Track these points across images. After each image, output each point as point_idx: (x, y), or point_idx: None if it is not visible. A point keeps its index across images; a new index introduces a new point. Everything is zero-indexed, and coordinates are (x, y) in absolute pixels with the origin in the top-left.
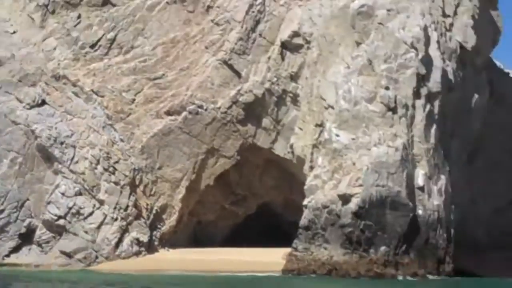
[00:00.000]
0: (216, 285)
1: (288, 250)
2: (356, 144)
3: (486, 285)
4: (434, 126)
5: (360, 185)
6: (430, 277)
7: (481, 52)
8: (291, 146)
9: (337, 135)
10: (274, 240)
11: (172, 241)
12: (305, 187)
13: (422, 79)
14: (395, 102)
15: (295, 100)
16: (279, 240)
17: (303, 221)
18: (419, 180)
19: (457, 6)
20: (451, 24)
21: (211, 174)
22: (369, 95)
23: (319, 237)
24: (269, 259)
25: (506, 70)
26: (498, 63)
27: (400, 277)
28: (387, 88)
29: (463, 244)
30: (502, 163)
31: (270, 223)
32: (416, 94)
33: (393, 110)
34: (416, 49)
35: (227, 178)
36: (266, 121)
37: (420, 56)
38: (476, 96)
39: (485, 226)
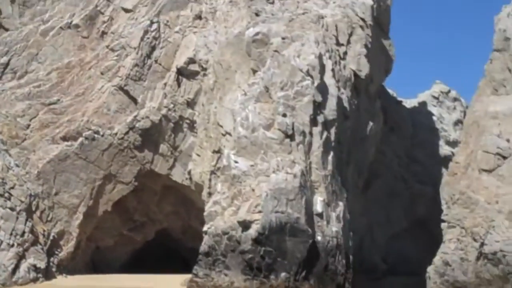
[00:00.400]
0: None
1: (187, 276)
2: (255, 170)
3: None
4: (331, 153)
5: (260, 212)
6: None
7: (374, 80)
8: (189, 173)
9: (236, 162)
10: (173, 266)
11: (70, 267)
12: (205, 213)
13: (318, 107)
14: (293, 129)
15: (192, 126)
16: (178, 266)
17: (203, 247)
18: (318, 207)
19: (350, 35)
20: (345, 53)
21: (109, 200)
22: (266, 122)
23: (220, 263)
24: (168, 285)
25: (399, 99)
26: (391, 92)
27: None
28: (284, 115)
29: (361, 270)
30: (396, 190)
31: (169, 249)
32: (313, 121)
33: (291, 137)
34: (311, 76)
35: (125, 204)
36: (163, 147)
37: (316, 84)
38: (371, 123)
39: (381, 253)
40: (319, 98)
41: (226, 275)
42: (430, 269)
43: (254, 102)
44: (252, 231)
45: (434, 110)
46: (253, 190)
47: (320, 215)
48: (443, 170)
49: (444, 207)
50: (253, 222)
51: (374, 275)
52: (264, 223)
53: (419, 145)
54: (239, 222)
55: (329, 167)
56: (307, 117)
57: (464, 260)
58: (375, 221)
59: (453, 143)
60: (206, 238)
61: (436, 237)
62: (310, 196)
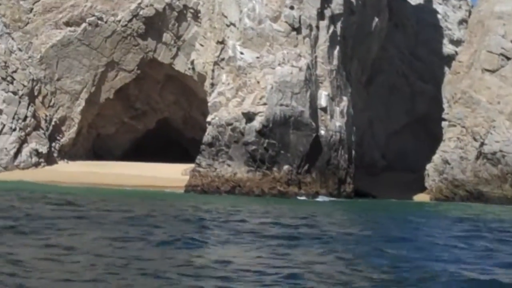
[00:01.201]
0: (124, 197)
1: (187, 165)
2: (260, 62)
3: (380, 205)
4: (337, 48)
5: (264, 104)
6: (327, 198)
7: None
8: (192, 63)
9: (242, 53)
10: (173, 155)
11: (71, 153)
12: (209, 104)
13: (325, 0)
14: (300, 22)
15: (196, 16)
16: (178, 155)
17: (206, 138)
18: (322, 101)
19: None
20: None
21: (111, 87)
22: (273, 14)
23: (223, 154)
24: (169, 174)
25: None
26: None
27: (303, 197)
28: (291, 7)
29: (360, 165)
30: (398, 87)
31: (169, 139)
32: (320, 15)
33: (298, 30)
34: None
35: (127, 92)
36: (166, 36)
37: None
38: (376, 19)
39: (381, 149)
40: None
41: (229, 165)
42: (429, 167)
43: None
44: (256, 123)
45: (439, 8)
46: (258, 82)
47: (324, 109)
48: (446, 68)
49: (445, 105)
50: (257, 114)
51: (373, 170)
52: (269, 115)
53: (422, 43)
54: (243, 114)
55: (335, 61)
56: (314, 10)
57: (464, 159)
58: (376, 117)
59: (456, 42)
60: (209, 128)
61: (435, 136)
62: (314, 90)
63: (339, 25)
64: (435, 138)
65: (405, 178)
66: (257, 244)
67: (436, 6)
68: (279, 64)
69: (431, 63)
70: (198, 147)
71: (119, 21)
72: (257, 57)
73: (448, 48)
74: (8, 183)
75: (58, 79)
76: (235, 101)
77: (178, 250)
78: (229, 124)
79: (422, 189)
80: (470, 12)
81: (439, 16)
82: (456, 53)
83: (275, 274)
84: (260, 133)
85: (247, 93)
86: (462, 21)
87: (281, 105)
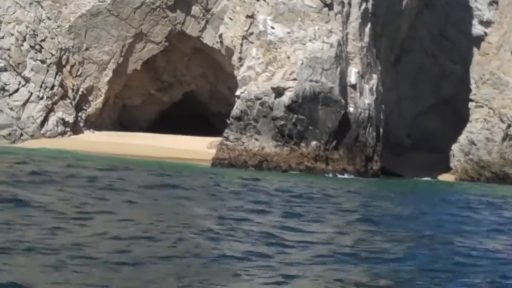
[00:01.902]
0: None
1: (213, 139)
2: (291, 37)
3: (406, 185)
4: (369, 25)
5: (294, 79)
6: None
7: None
8: (220, 36)
9: (273, 28)
10: (197, 129)
11: (97, 123)
12: (238, 77)
13: None
14: None
15: None
16: (203, 129)
17: (235, 112)
18: (352, 78)
19: None
20: None
21: (139, 58)
22: None
23: (251, 128)
24: (194, 147)
25: None
26: None
27: (330, 174)
28: None
29: (386, 144)
30: (426, 67)
31: (195, 112)
32: None
33: (329, 6)
34: None
35: (154, 64)
36: (195, 9)
37: None
38: None
39: (407, 128)
40: None
41: (256, 140)
42: (454, 147)
43: None
44: (285, 98)
45: None
46: (288, 57)
47: (353, 86)
48: (475, 49)
49: (473, 86)
50: (286, 89)
51: (398, 150)
52: (298, 91)
53: (452, 23)
54: (272, 89)
55: (366, 38)
56: None
57: (490, 140)
58: (403, 96)
59: (486, 23)
60: (238, 102)
61: (462, 117)
62: (345, 67)
63: (370, 2)
64: (461, 119)
65: (430, 158)
66: None
67: None
68: (310, 40)
69: (460, 43)
70: (223, 121)
71: None
72: (288, 32)
73: (477, 29)
74: (47, 151)
75: (86, 49)
76: (265, 75)
77: None
78: (258, 99)
79: (447, 169)
80: None
81: None
82: (486, 34)
83: None
84: (289, 108)
85: (277, 68)
86: (492, 2)
87: (311, 81)
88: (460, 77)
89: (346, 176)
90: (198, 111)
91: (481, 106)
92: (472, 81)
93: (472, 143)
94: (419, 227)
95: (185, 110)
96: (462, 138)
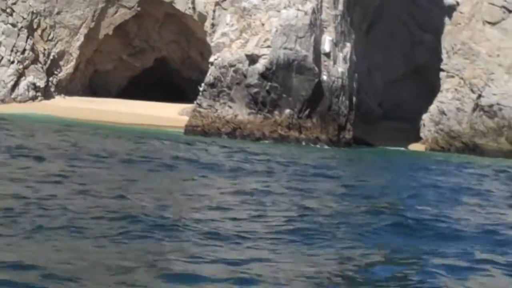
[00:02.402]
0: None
1: (184, 105)
2: (265, 4)
3: (378, 154)
4: None
5: (268, 47)
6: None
7: None
8: (193, 2)
9: None
10: (168, 95)
11: (68, 88)
12: (212, 44)
13: None
14: None
15: None
16: (174, 95)
17: (208, 78)
18: (326, 46)
19: None
20: None
21: (110, 23)
22: None
23: (224, 95)
24: (166, 114)
25: None
26: None
27: (303, 143)
28: None
29: (357, 113)
30: (397, 34)
31: (166, 79)
32: None
33: None
34: None
35: (126, 29)
36: None
37: None
38: None
39: (378, 97)
40: None
41: (230, 107)
42: (425, 117)
43: None
44: (259, 66)
45: None
46: (262, 24)
47: (327, 54)
48: (446, 19)
49: (444, 56)
50: (260, 57)
51: (369, 118)
52: (272, 58)
53: None
54: (246, 56)
55: (340, 7)
56: None
57: (460, 110)
58: (374, 64)
59: None
60: (212, 69)
61: (433, 86)
62: (319, 35)
63: None
64: (433, 89)
65: (401, 127)
66: None
67: None
68: (284, 7)
69: (431, 12)
70: (194, 87)
71: None
72: None
73: None
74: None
75: (58, 13)
76: (239, 42)
77: None
78: (231, 66)
79: (417, 139)
80: None
81: None
82: (457, 3)
83: None
84: (263, 75)
85: (251, 35)
86: None
87: (285, 48)
88: (432, 46)
89: (318, 146)
90: (169, 77)
91: (452, 76)
92: (443, 51)
93: (442, 113)
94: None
95: (156, 76)
96: (433, 108)
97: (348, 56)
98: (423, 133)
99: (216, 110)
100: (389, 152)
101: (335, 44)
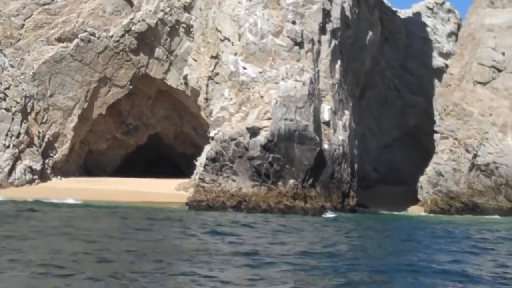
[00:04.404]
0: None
1: (181, 181)
2: (263, 77)
3: (379, 219)
4: (338, 62)
5: (269, 118)
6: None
7: None
8: (185, 78)
9: (244, 68)
10: (162, 171)
11: (64, 169)
12: (212, 118)
13: (327, 15)
14: (302, 36)
15: (188, 31)
16: (169, 170)
17: (210, 153)
18: (325, 115)
19: None
20: None
21: (103, 103)
22: (275, 29)
23: (227, 169)
24: (163, 189)
25: (394, 9)
26: (386, 1)
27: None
28: (293, 22)
29: None
30: (389, 100)
31: (159, 154)
32: (322, 29)
33: (300, 44)
34: None
35: (119, 107)
36: (159, 51)
37: None
38: (370, 33)
39: (373, 162)
40: (328, 6)
41: (233, 180)
42: (422, 179)
43: (262, 8)
44: (261, 138)
45: (428, 21)
46: (261, 97)
47: (327, 123)
48: (436, 81)
49: (437, 118)
50: (262, 129)
51: (365, 183)
52: (273, 130)
53: (412, 56)
54: (247, 128)
55: (337, 75)
56: (316, 25)
57: (457, 170)
58: (368, 130)
59: (446, 55)
60: (212, 143)
61: (426, 148)
62: (318, 105)
63: (338, 39)
64: (426, 151)
65: (397, 191)
66: None
67: (425, 19)
68: (282, 79)
69: (421, 76)
70: (188, 162)
71: (111, 36)
72: (260, 72)
73: (437, 60)
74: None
75: (51, 95)
76: (239, 116)
77: None
78: (233, 139)
79: (415, 201)
80: (458, 25)
81: (428, 29)
82: (446, 65)
83: None
84: (265, 147)
85: (251, 108)
86: (451, 34)
87: (286, 119)
88: (423, 109)
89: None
90: (162, 153)
91: (446, 137)
92: (436, 112)
93: (439, 174)
94: None
95: (149, 153)
96: (429, 170)
97: (347, 124)
98: (421, 195)
99: (220, 184)
100: (398, 218)
101: (334, 112)
